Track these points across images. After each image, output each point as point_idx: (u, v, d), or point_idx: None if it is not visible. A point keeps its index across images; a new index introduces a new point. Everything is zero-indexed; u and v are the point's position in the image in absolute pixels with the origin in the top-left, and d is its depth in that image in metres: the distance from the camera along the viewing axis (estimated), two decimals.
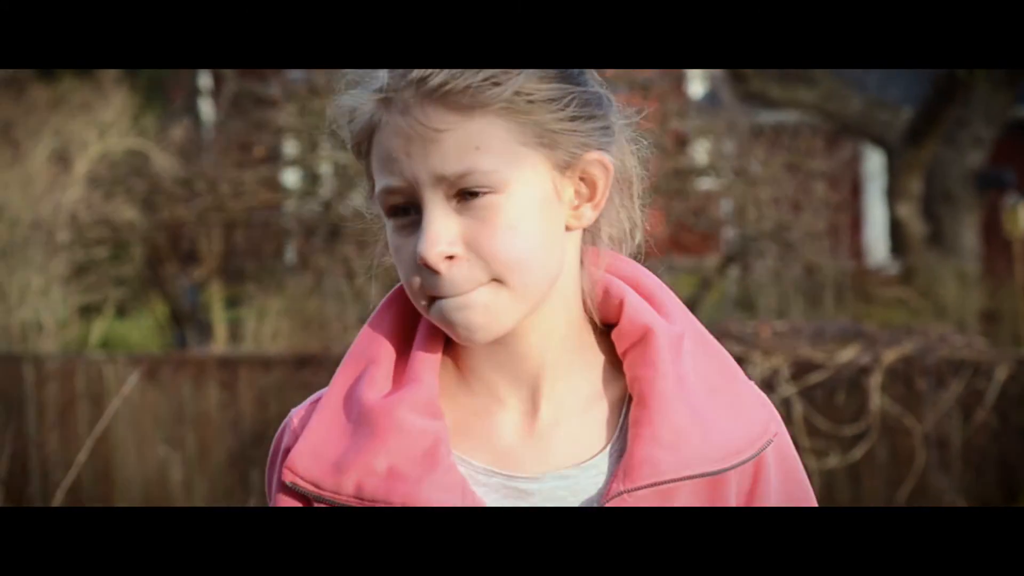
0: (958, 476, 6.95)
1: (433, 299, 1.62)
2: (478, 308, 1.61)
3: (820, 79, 13.76)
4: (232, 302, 12.39)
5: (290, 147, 12.20)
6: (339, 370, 1.70)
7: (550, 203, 1.63)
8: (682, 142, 11.48)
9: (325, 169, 11.44)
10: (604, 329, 1.71)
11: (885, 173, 15.10)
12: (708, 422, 1.66)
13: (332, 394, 1.69)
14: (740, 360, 5.15)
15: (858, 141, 14.92)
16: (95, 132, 13.07)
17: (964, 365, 6.99)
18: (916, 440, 7.01)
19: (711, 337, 1.73)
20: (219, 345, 11.30)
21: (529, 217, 1.61)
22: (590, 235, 1.70)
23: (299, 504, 1.67)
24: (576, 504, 1.66)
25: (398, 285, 1.70)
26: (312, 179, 11.81)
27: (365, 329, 1.71)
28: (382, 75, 1.63)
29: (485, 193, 1.60)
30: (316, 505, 1.66)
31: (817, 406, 7.19)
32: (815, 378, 7.15)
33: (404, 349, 1.69)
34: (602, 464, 1.67)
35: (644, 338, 1.67)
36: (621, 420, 1.68)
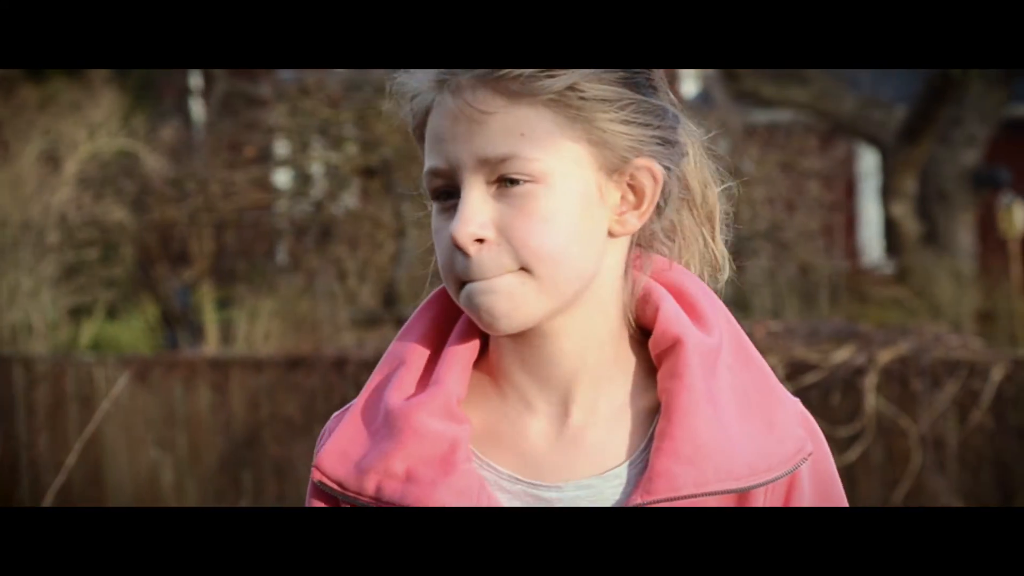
0: (954, 477, 6.92)
1: (463, 283, 1.62)
2: (502, 294, 1.60)
3: (814, 78, 13.77)
4: (223, 303, 12.38)
5: (281, 147, 12.21)
6: (375, 371, 1.71)
7: (591, 203, 1.62)
8: None
9: (316, 169, 11.44)
10: (643, 337, 1.69)
11: (879, 172, 15.13)
12: (735, 438, 1.63)
13: (364, 395, 1.70)
14: None
15: (852, 140, 14.95)
16: (85, 132, 13.07)
17: (960, 365, 6.96)
18: (912, 441, 6.98)
19: (754, 351, 1.70)
20: (210, 346, 11.27)
21: (566, 212, 1.60)
22: (642, 248, 1.68)
23: (327, 503, 1.68)
24: None
25: (440, 287, 1.70)
26: (303, 179, 11.82)
27: (402, 330, 1.72)
28: None
29: (525, 182, 1.60)
30: (343, 504, 1.67)
31: (812, 407, 7.04)
32: (810, 379, 7.12)
33: (436, 352, 1.70)
34: (624, 475, 1.64)
35: (674, 348, 1.65)
36: (650, 431, 1.66)
